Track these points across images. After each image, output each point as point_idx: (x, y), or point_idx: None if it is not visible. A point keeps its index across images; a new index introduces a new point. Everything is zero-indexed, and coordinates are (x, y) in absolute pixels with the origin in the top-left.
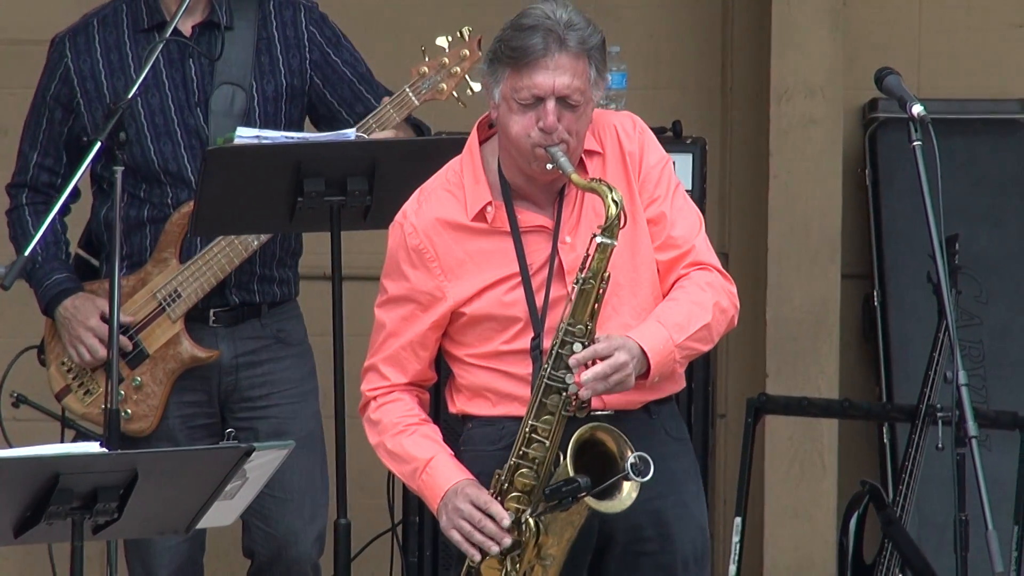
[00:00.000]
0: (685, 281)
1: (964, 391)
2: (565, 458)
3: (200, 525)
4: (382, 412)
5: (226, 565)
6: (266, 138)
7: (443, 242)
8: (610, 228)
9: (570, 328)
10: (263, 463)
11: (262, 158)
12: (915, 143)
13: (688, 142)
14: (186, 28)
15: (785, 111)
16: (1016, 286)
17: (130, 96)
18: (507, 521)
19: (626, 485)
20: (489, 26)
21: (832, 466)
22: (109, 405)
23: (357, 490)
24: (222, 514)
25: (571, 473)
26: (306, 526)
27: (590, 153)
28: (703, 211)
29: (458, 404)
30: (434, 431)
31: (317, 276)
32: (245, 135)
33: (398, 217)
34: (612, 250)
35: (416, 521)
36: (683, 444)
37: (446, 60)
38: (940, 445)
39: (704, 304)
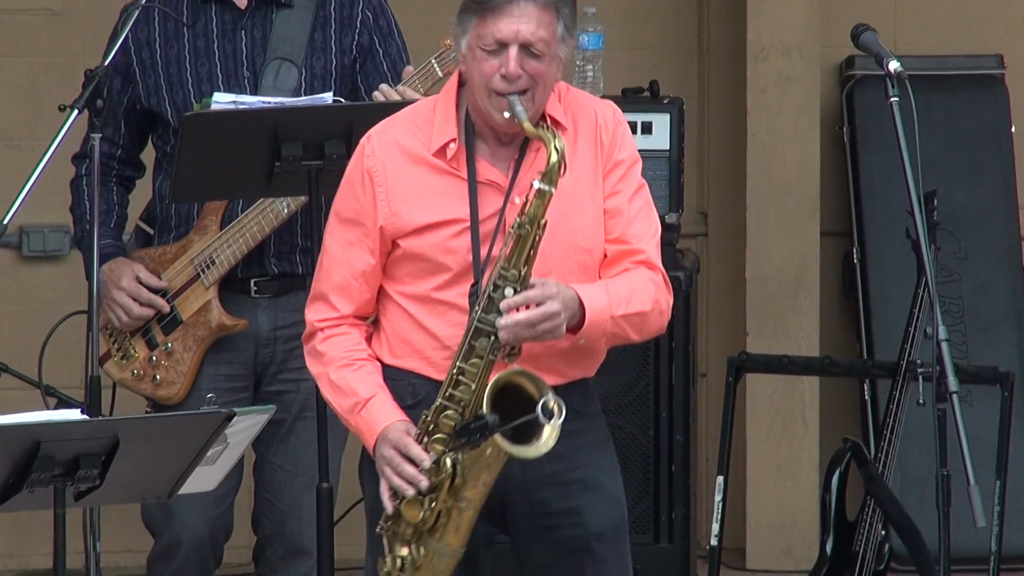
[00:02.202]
0: (633, 273)
1: (944, 347)
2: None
3: (182, 491)
4: (329, 345)
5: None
6: (243, 103)
7: (396, 169)
8: (549, 174)
9: (503, 272)
10: (245, 427)
11: (239, 123)
12: (892, 99)
13: (665, 102)
14: (241, 1)
15: (762, 70)
16: (994, 241)
17: (107, 63)
18: (427, 463)
19: (545, 430)
20: None
21: (814, 424)
22: (89, 372)
23: (343, 456)
24: (203, 480)
25: (485, 413)
26: (312, 503)
27: (557, 124)
28: (681, 171)
29: (374, 346)
30: (378, 368)
31: None
32: (222, 100)
33: (363, 139)
34: (550, 197)
35: None
36: (590, 418)
37: None
38: (921, 401)
39: (648, 294)
